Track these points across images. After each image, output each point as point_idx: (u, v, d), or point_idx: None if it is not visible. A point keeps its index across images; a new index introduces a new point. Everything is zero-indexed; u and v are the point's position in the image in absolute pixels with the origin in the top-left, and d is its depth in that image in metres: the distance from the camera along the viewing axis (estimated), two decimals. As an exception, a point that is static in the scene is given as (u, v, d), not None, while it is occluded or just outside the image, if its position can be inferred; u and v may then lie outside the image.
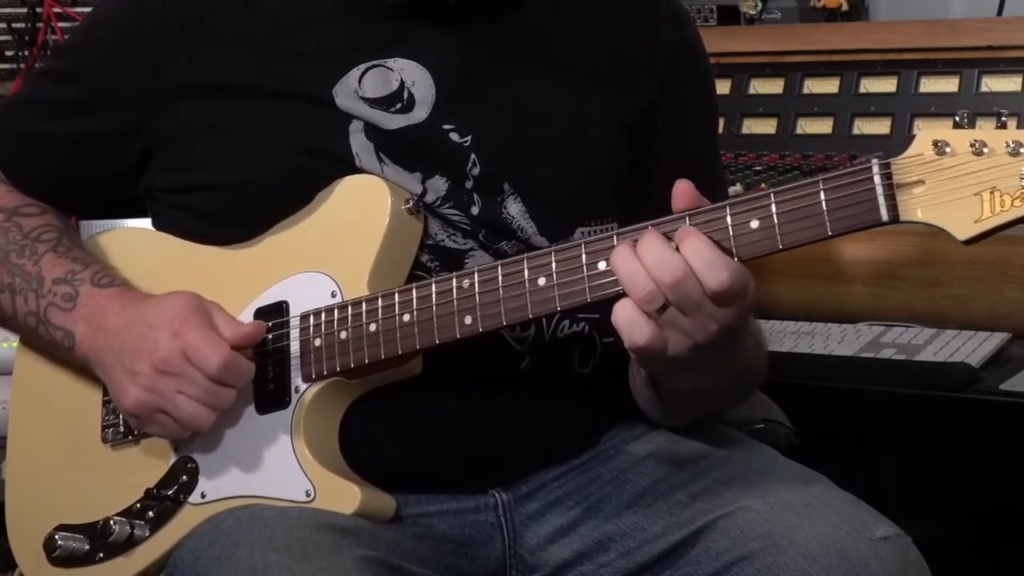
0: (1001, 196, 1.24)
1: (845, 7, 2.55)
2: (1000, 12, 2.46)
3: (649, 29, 1.65)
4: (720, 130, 2.34)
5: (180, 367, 1.48)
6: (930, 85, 2.28)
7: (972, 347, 1.91)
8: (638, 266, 1.32)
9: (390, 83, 1.56)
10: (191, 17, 1.59)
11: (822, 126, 2.34)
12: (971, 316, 2.00)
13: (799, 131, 2.35)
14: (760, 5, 2.59)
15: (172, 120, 1.60)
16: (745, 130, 2.40)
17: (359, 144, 1.55)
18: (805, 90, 2.38)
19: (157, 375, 1.49)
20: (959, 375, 1.86)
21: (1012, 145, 1.24)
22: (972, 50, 2.25)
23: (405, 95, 1.56)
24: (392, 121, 1.55)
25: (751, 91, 2.43)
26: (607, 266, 1.36)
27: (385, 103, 1.56)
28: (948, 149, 1.26)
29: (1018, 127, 2.13)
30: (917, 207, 1.27)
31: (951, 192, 1.26)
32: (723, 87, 2.42)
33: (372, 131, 1.55)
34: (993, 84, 2.23)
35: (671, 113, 1.65)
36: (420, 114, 1.56)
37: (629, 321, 1.33)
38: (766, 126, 2.39)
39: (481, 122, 1.56)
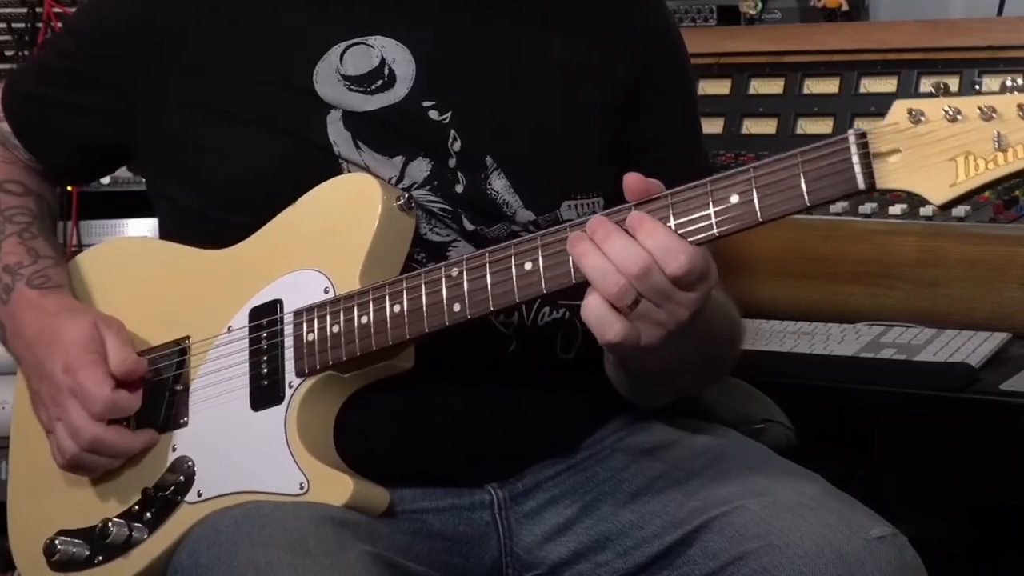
0: (975, 160, 1.26)
1: (845, 7, 2.55)
2: (1000, 12, 2.46)
3: (630, 13, 1.67)
4: (720, 130, 2.36)
5: (63, 402, 1.57)
6: (930, 85, 2.28)
7: (972, 347, 1.91)
8: (605, 262, 1.32)
9: (371, 60, 1.58)
10: (178, 15, 1.62)
11: (822, 126, 2.34)
12: (971, 316, 2.00)
13: (799, 131, 2.35)
14: (760, 5, 2.59)
15: (156, 117, 1.63)
16: (745, 130, 2.39)
17: (336, 133, 1.56)
18: (805, 90, 2.38)
19: (50, 402, 1.59)
20: (959, 375, 1.86)
21: (985, 110, 1.26)
22: (972, 50, 2.25)
23: (386, 72, 1.57)
24: (371, 102, 1.57)
25: (751, 91, 2.42)
26: None
27: (366, 81, 1.57)
28: (923, 117, 1.28)
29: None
30: (893, 174, 1.29)
31: (926, 158, 1.28)
32: (723, 87, 2.42)
33: (350, 119, 1.56)
34: (993, 84, 2.22)
35: (653, 96, 1.66)
36: (400, 91, 1.57)
37: (600, 317, 1.33)
38: (766, 126, 2.38)
39: (462, 98, 1.57)
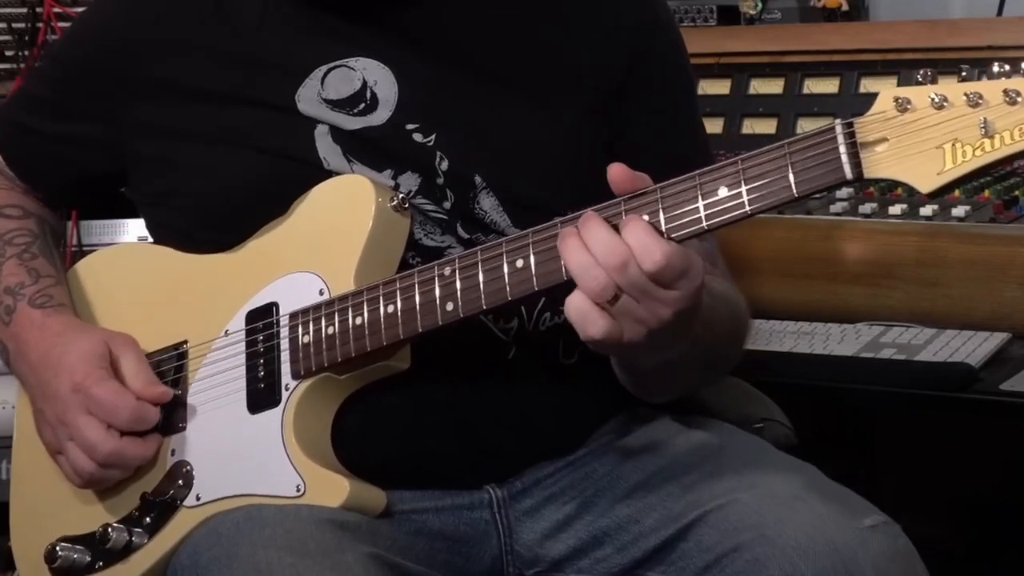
0: (962, 147, 1.25)
1: (845, 7, 2.55)
2: (1000, 12, 2.46)
3: (610, 13, 1.65)
4: (720, 130, 2.36)
5: (73, 420, 1.55)
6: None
7: (972, 347, 1.91)
8: (588, 257, 1.33)
9: (352, 83, 1.57)
10: (157, 44, 1.63)
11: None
12: (971, 316, 2.00)
13: (799, 131, 2.35)
14: (760, 5, 2.59)
15: (138, 144, 1.64)
16: (745, 130, 2.39)
17: (326, 147, 1.56)
18: (805, 90, 2.38)
19: (57, 422, 1.58)
20: (959, 375, 1.86)
21: (971, 96, 1.25)
22: (972, 50, 2.25)
23: (368, 95, 1.57)
24: (354, 123, 1.56)
25: (751, 91, 2.43)
26: None
27: (348, 104, 1.57)
28: (909, 105, 1.27)
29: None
30: (881, 164, 1.28)
31: (913, 147, 1.27)
32: (723, 87, 2.42)
33: (338, 133, 1.56)
34: (993, 84, 2.22)
35: (643, 93, 1.64)
36: (382, 115, 1.57)
37: (582, 315, 1.33)
38: (766, 126, 2.38)
39: (445, 120, 1.57)
